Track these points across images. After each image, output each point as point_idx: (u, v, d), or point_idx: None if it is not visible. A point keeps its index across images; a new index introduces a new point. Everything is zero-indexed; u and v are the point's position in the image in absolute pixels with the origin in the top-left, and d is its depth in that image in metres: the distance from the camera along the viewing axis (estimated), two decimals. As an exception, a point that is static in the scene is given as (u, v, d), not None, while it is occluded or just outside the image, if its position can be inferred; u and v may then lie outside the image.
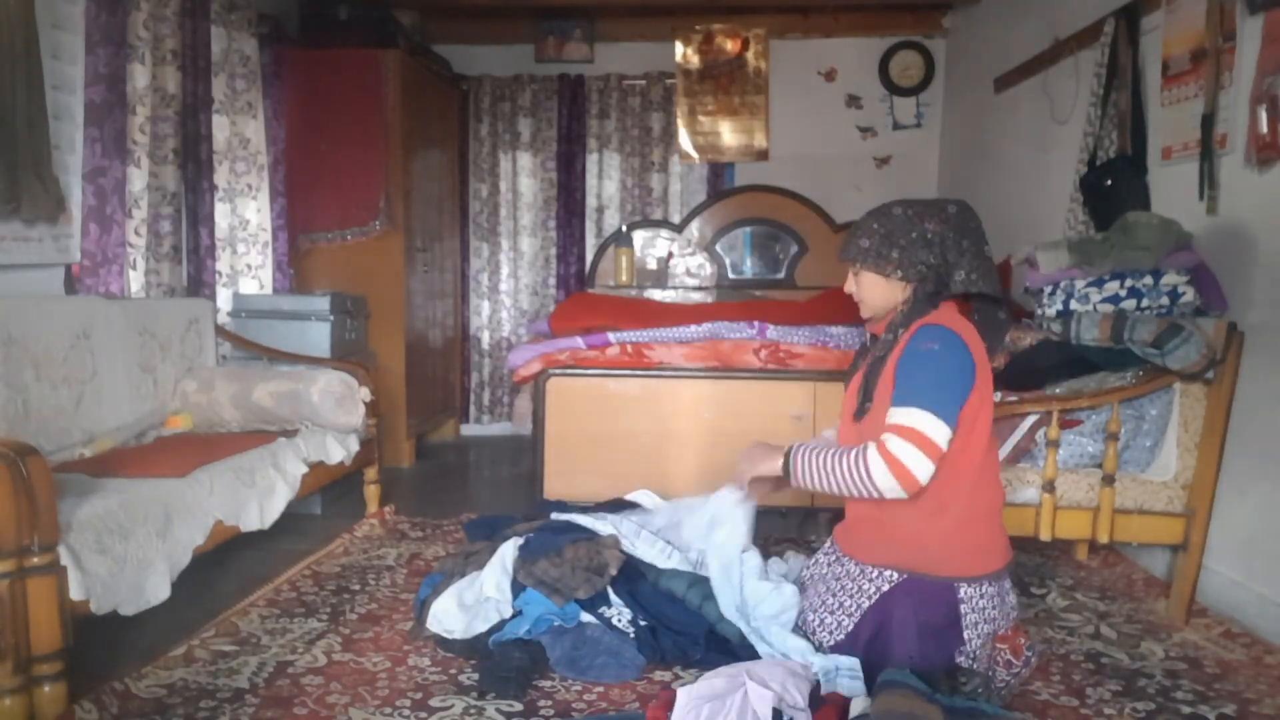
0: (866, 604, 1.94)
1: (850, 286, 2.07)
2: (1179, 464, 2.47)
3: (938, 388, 1.82)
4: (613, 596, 2.26)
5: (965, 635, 1.90)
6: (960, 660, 1.91)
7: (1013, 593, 2.00)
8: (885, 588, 1.93)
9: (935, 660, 1.90)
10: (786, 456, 1.99)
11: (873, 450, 1.82)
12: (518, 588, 2.27)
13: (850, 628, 1.95)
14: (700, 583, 2.28)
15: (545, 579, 2.24)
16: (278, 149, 4.25)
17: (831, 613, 1.98)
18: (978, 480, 1.92)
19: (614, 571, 2.24)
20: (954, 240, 1.92)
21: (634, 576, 2.33)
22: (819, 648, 1.97)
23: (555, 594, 2.21)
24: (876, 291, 2.00)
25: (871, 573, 1.96)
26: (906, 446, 1.79)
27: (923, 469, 1.79)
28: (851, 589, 1.97)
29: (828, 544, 2.20)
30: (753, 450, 2.10)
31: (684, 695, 1.71)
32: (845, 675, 1.88)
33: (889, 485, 1.80)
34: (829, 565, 2.12)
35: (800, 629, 2.04)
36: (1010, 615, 1.98)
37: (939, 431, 1.80)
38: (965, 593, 1.89)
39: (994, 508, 1.97)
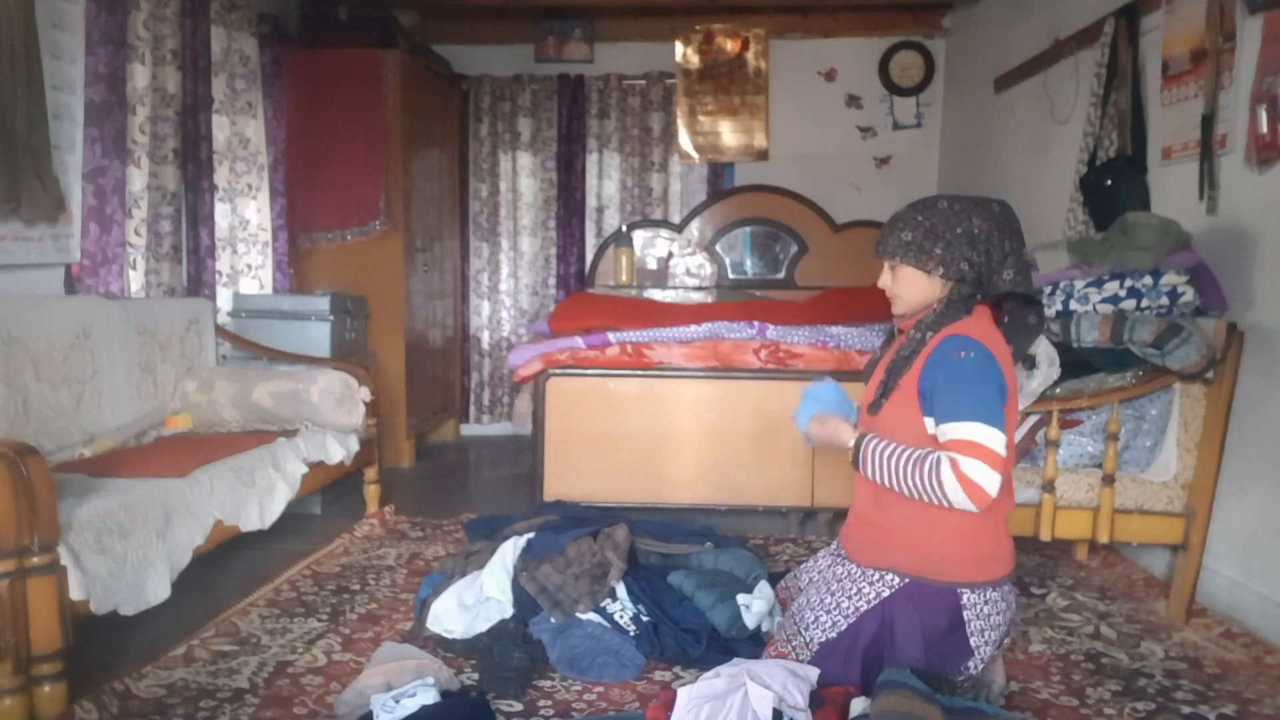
0: (865, 607, 1.92)
1: (885, 281, 1.97)
2: (1179, 464, 2.47)
3: (984, 398, 1.80)
4: (618, 590, 2.26)
5: (972, 643, 1.88)
6: (970, 669, 1.90)
7: (1013, 597, 1.98)
8: (886, 592, 1.91)
9: (942, 670, 1.88)
10: (858, 445, 1.94)
11: (946, 468, 1.79)
12: (518, 586, 2.28)
13: (844, 627, 1.92)
14: (708, 587, 2.27)
15: (548, 587, 2.24)
16: (278, 149, 4.24)
17: (827, 611, 1.95)
18: None
19: (615, 581, 2.24)
20: (999, 239, 1.85)
21: (643, 570, 2.34)
22: (808, 644, 1.95)
23: (556, 608, 2.21)
24: (915, 288, 1.91)
25: (872, 575, 1.94)
26: (975, 464, 1.76)
27: (992, 483, 1.77)
28: (851, 590, 1.95)
29: (834, 545, 2.19)
30: (828, 421, 2.02)
31: (684, 695, 1.71)
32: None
33: (961, 501, 1.78)
34: (830, 565, 2.12)
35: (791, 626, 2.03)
36: (1012, 622, 1.98)
37: (997, 441, 1.78)
38: (969, 599, 1.87)
39: (1002, 515, 1.94)
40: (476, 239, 5.51)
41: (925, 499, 1.83)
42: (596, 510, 2.96)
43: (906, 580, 1.90)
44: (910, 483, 1.83)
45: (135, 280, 3.33)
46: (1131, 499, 2.48)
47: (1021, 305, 1.98)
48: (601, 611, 2.22)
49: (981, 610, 1.88)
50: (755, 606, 2.22)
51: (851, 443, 1.96)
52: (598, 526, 2.43)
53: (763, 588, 2.29)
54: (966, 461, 1.77)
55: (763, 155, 5.41)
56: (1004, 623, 1.92)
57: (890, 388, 1.93)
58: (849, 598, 1.94)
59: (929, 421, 1.87)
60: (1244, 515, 2.52)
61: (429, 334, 4.95)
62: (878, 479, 1.90)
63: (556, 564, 2.28)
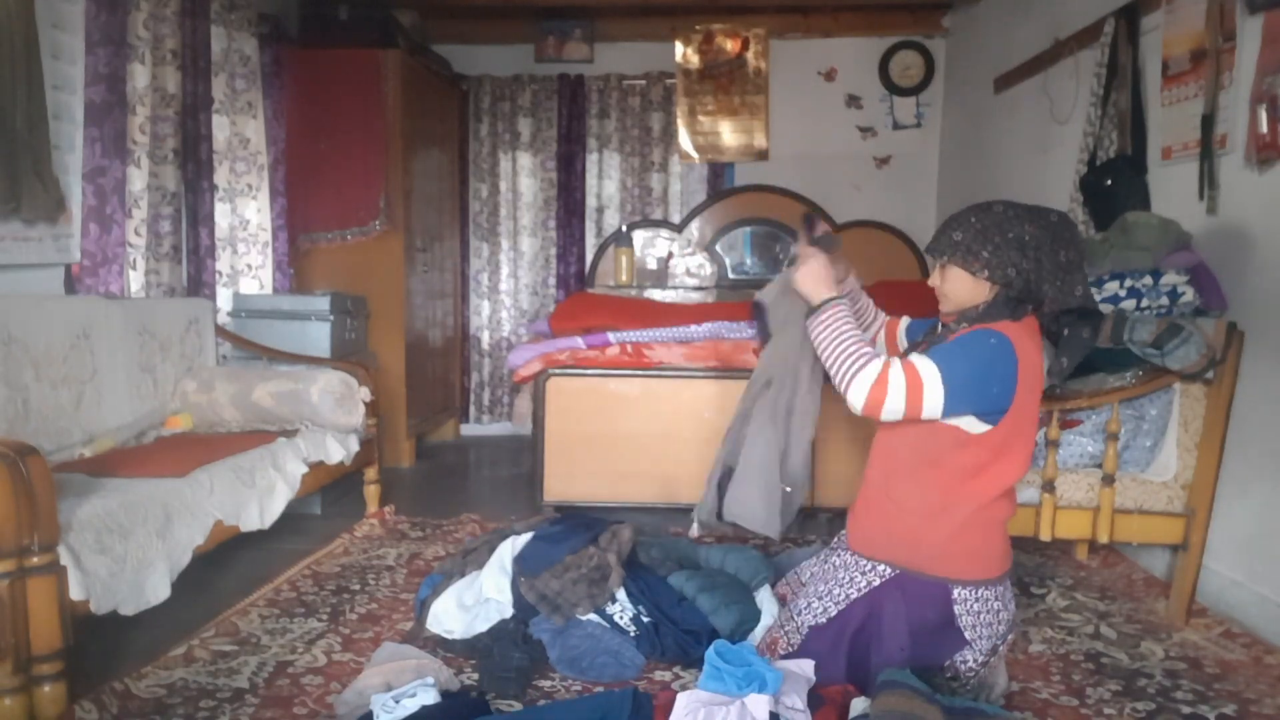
0: (855, 594, 1.95)
1: (934, 280, 1.98)
2: (1179, 464, 2.47)
3: (964, 368, 1.80)
4: (618, 592, 2.25)
5: (967, 636, 1.89)
6: (963, 662, 1.91)
7: (1009, 597, 1.98)
8: (876, 582, 1.94)
9: (931, 661, 1.89)
10: (812, 310, 1.96)
11: (876, 363, 1.82)
12: (517, 587, 2.27)
13: (833, 613, 1.95)
14: (708, 591, 2.27)
15: (547, 593, 2.23)
16: (278, 149, 4.24)
17: (819, 598, 1.99)
18: (994, 496, 1.91)
19: (615, 586, 2.23)
20: (1050, 249, 1.83)
21: (643, 570, 2.33)
22: (799, 628, 1.98)
23: (556, 612, 2.20)
24: (961, 288, 1.91)
25: (864, 565, 1.97)
26: (900, 380, 1.79)
27: (894, 405, 1.80)
28: (843, 579, 1.98)
29: (835, 538, 2.21)
30: (818, 270, 2.00)
31: (684, 699, 1.71)
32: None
33: (859, 392, 1.81)
34: (828, 556, 2.15)
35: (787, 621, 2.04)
36: (1012, 623, 1.98)
37: (934, 393, 1.79)
38: (959, 594, 1.89)
39: (999, 519, 1.95)
40: (476, 239, 5.51)
41: (832, 372, 1.87)
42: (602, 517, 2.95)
43: (897, 571, 1.92)
44: (838, 351, 1.86)
45: (135, 280, 3.33)
46: (1131, 499, 2.48)
47: (1077, 319, 1.98)
48: (601, 613, 2.22)
49: (973, 607, 1.89)
50: (757, 634, 2.19)
51: (822, 297, 1.96)
52: (597, 531, 2.41)
53: (767, 602, 2.29)
54: (897, 369, 1.80)
55: (763, 155, 5.41)
56: (999, 623, 1.92)
57: None
58: (840, 585, 1.98)
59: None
60: (1244, 515, 2.52)
61: (429, 334, 4.95)
62: (816, 335, 1.93)
63: (555, 570, 2.28)
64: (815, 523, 3.52)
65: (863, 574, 1.96)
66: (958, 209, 2.00)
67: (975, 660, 1.91)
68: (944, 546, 1.90)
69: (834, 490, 3.41)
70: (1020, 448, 1.89)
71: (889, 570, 1.93)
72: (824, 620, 1.96)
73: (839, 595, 1.96)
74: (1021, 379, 1.82)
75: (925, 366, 1.80)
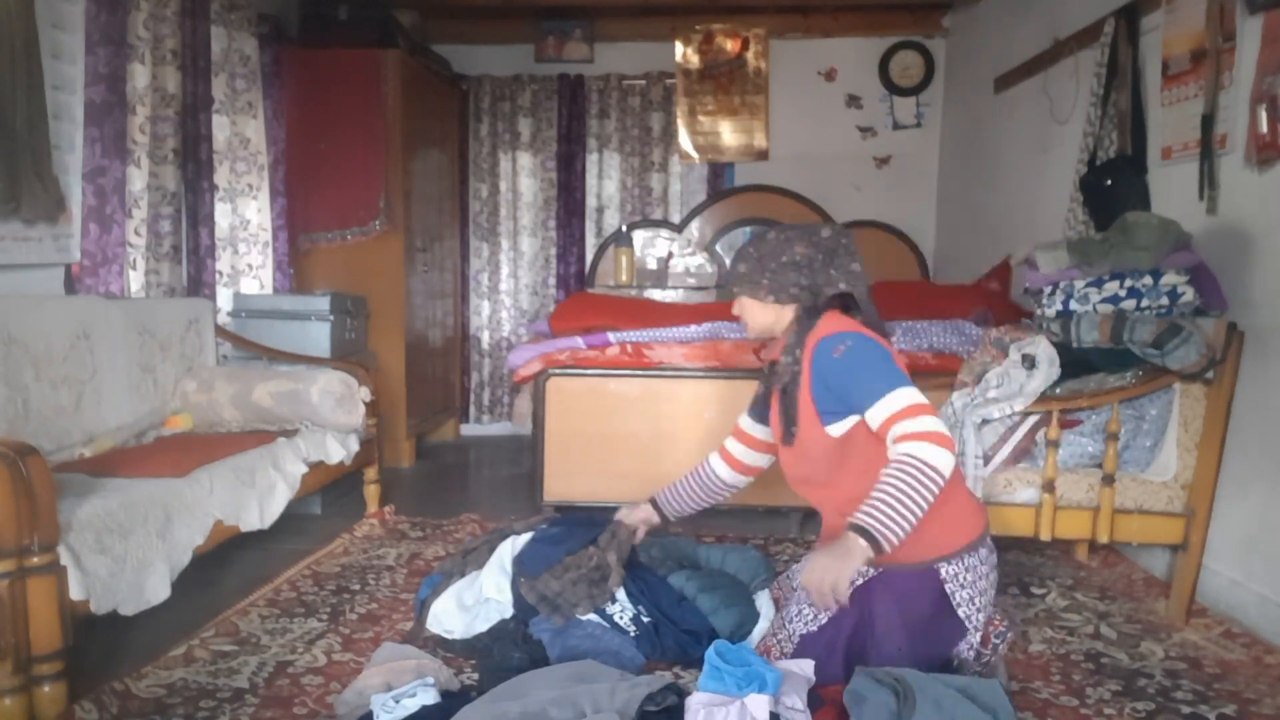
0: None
1: (736, 311, 2.14)
2: (1179, 464, 2.47)
3: (886, 370, 1.88)
4: (617, 592, 2.26)
5: (961, 614, 1.90)
6: (965, 650, 1.91)
7: (993, 556, 1.98)
8: (859, 581, 1.92)
9: (933, 654, 1.89)
10: (869, 539, 1.76)
11: (924, 446, 1.76)
12: (517, 587, 2.28)
13: (824, 620, 1.95)
14: (708, 591, 2.26)
15: (547, 593, 2.23)
16: (278, 149, 4.25)
17: (810, 604, 1.97)
18: None
19: (615, 586, 2.23)
20: (822, 263, 1.99)
21: (643, 570, 2.33)
22: (791, 636, 1.98)
23: (556, 612, 2.20)
24: (754, 314, 2.08)
25: None
26: (927, 419, 1.81)
27: (946, 428, 1.84)
28: None
29: (818, 540, 2.22)
30: (824, 565, 1.78)
31: (688, 701, 1.71)
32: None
33: (947, 460, 1.78)
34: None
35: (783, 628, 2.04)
36: (994, 582, 1.99)
37: (920, 395, 1.87)
38: (947, 572, 1.90)
39: (956, 478, 1.96)
40: (476, 239, 5.52)
41: (935, 494, 1.76)
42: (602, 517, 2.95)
43: (880, 569, 1.92)
44: (917, 497, 1.75)
45: (135, 280, 3.33)
46: (1131, 499, 2.48)
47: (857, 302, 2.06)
48: (601, 613, 2.22)
49: (964, 579, 1.91)
50: (754, 636, 2.20)
51: (860, 554, 1.77)
52: (597, 532, 2.41)
53: (766, 604, 2.29)
54: (924, 420, 1.82)
55: (763, 155, 5.41)
56: (989, 586, 1.94)
57: (793, 415, 2.01)
58: None
59: (832, 428, 1.94)
60: (1244, 515, 2.52)
61: (429, 334, 4.95)
62: (904, 528, 1.77)
63: (554, 570, 2.28)
64: (815, 523, 3.51)
65: None
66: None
67: (972, 644, 1.92)
68: (923, 533, 1.89)
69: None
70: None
71: (871, 570, 1.92)
72: (815, 628, 1.95)
73: None
74: (880, 341, 1.95)
75: (898, 397, 1.84)
